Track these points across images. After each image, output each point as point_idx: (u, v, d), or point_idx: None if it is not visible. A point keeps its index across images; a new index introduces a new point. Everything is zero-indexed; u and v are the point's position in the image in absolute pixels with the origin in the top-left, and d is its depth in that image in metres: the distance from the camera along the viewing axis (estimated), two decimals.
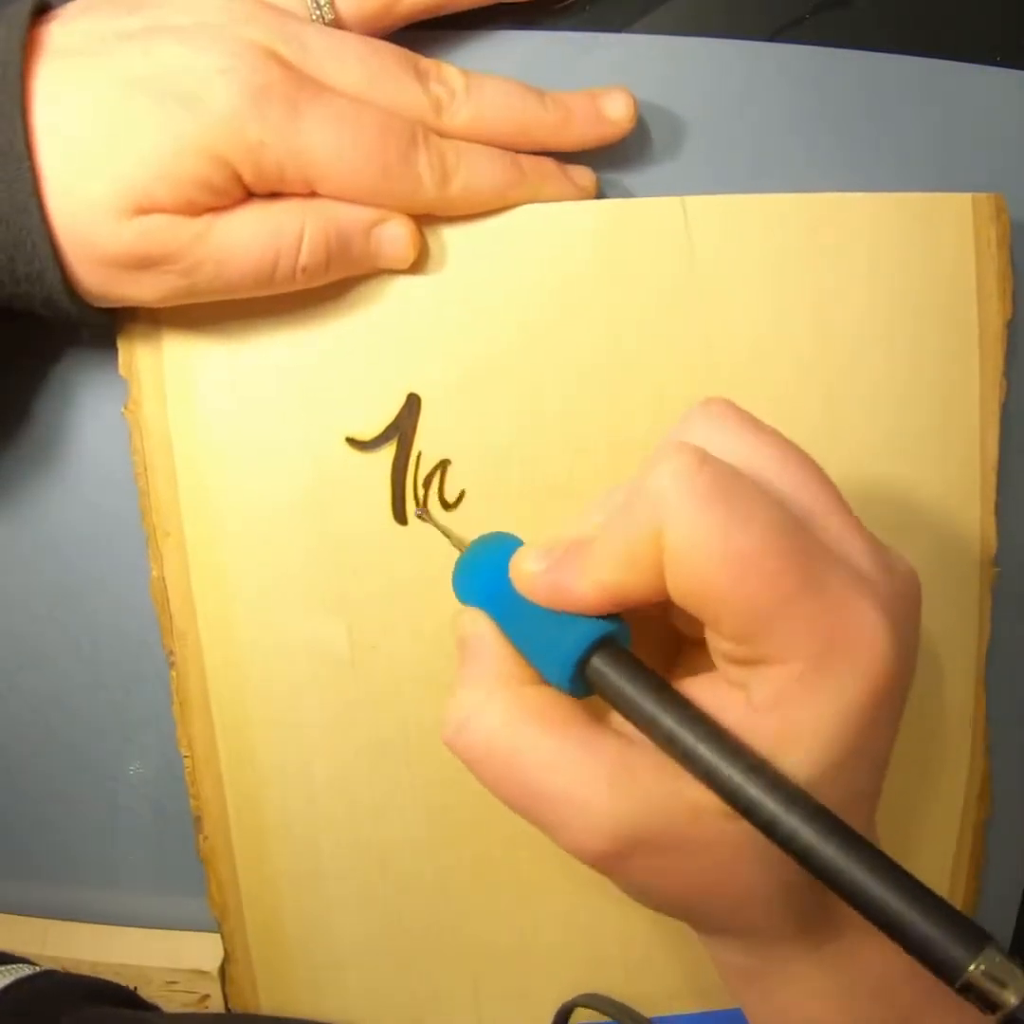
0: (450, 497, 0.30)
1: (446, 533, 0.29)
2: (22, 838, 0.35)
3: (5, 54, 0.24)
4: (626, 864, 0.22)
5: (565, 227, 0.29)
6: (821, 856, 0.19)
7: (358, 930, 0.33)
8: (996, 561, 0.33)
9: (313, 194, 0.27)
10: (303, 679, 0.31)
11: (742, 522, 0.20)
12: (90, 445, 0.32)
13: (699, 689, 0.22)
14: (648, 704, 0.21)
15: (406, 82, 0.27)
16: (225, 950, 0.33)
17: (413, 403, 0.30)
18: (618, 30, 0.32)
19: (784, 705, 0.21)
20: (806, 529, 0.21)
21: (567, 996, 0.33)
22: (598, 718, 0.23)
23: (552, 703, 0.23)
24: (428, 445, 0.30)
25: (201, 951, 0.33)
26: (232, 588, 0.30)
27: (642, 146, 0.31)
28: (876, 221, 0.30)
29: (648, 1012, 0.34)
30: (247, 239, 0.26)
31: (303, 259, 0.27)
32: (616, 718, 0.23)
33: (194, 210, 0.25)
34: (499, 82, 0.28)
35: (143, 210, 0.25)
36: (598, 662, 0.22)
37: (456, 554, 0.30)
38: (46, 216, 0.24)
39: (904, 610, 0.22)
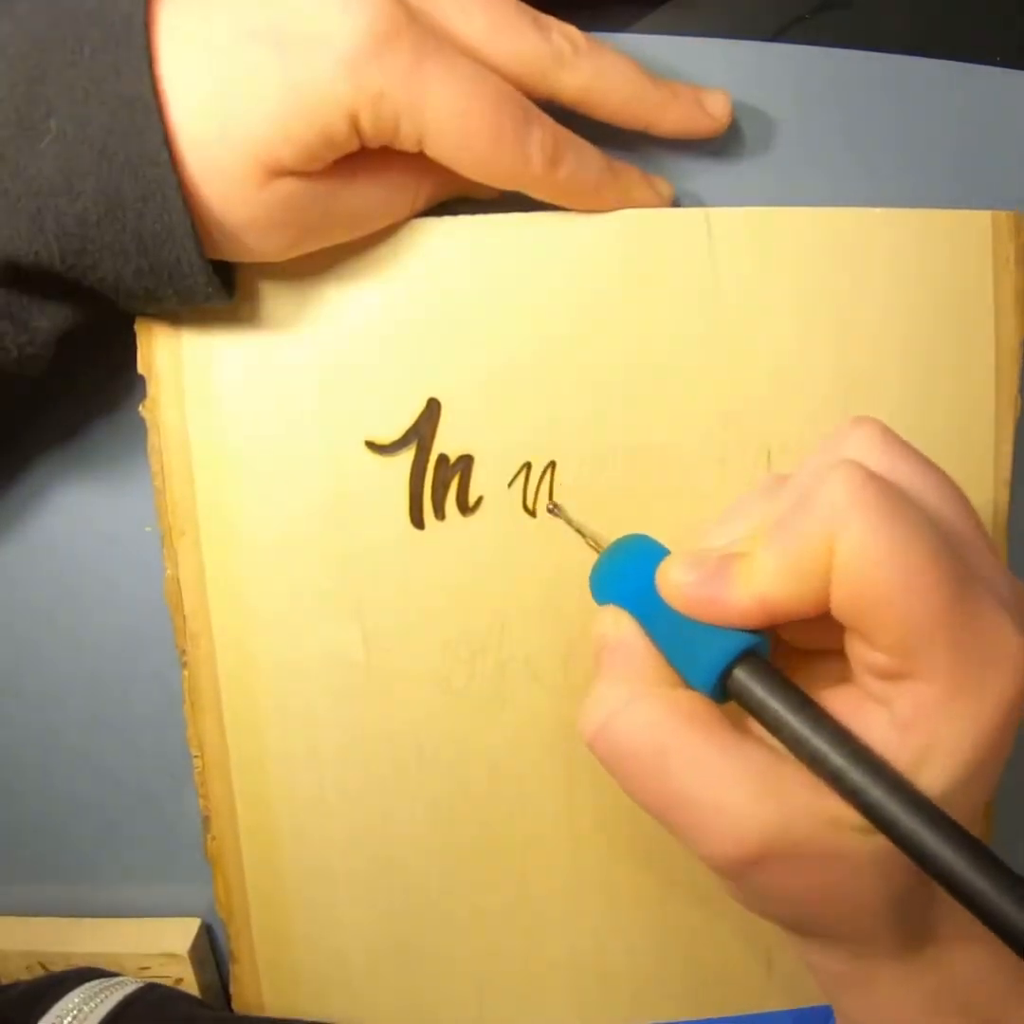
0: (468, 502, 0.30)
1: (580, 530, 0.29)
2: (19, 839, 0.35)
3: (130, 4, 0.23)
4: (757, 871, 0.22)
5: (588, 236, 0.29)
6: (963, 878, 0.20)
7: (365, 934, 0.33)
8: None
9: (420, 154, 0.26)
10: (316, 682, 0.31)
11: (912, 536, 0.20)
12: (106, 442, 0.31)
13: (837, 702, 0.22)
14: (794, 721, 0.22)
15: (528, 32, 0.27)
16: (230, 951, 0.33)
17: (433, 408, 0.30)
18: (618, 30, 0.32)
19: (926, 722, 0.21)
20: (958, 551, 0.21)
21: (573, 1005, 0.33)
22: (739, 725, 0.24)
23: (699, 707, 0.23)
24: (447, 450, 0.30)
25: (172, 935, 0.34)
26: (247, 589, 0.30)
27: (639, 145, 0.31)
28: (897, 237, 0.30)
29: (653, 1020, 0.34)
30: (374, 200, 0.27)
31: (417, 208, 0.28)
32: (756, 726, 0.23)
33: (317, 164, 0.25)
34: (614, 50, 0.28)
35: (272, 173, 0.24)
36: (741, 673, 0.22)
37: (468, 562, 0.30)
38: (178, 168, 0.24)
39: None
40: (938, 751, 0.21)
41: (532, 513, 0.30)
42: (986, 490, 0.32)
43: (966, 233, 0.31)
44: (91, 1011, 0.28)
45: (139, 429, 0.30)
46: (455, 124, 0.25)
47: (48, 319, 0.26)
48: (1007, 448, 0.32)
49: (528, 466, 0.30)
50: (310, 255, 0.28)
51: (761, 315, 0.30)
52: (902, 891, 0.23)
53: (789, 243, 0.30)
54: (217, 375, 0.29)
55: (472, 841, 0.32)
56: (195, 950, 0.33)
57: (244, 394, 0.30)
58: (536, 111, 0.27)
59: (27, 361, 0.26)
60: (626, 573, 0.26)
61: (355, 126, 0.24)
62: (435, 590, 0.30)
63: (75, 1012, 0.28)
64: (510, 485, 0.30)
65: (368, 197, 0.27)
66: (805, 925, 0.24)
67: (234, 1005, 0.33)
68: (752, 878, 0.23)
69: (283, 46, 0.23)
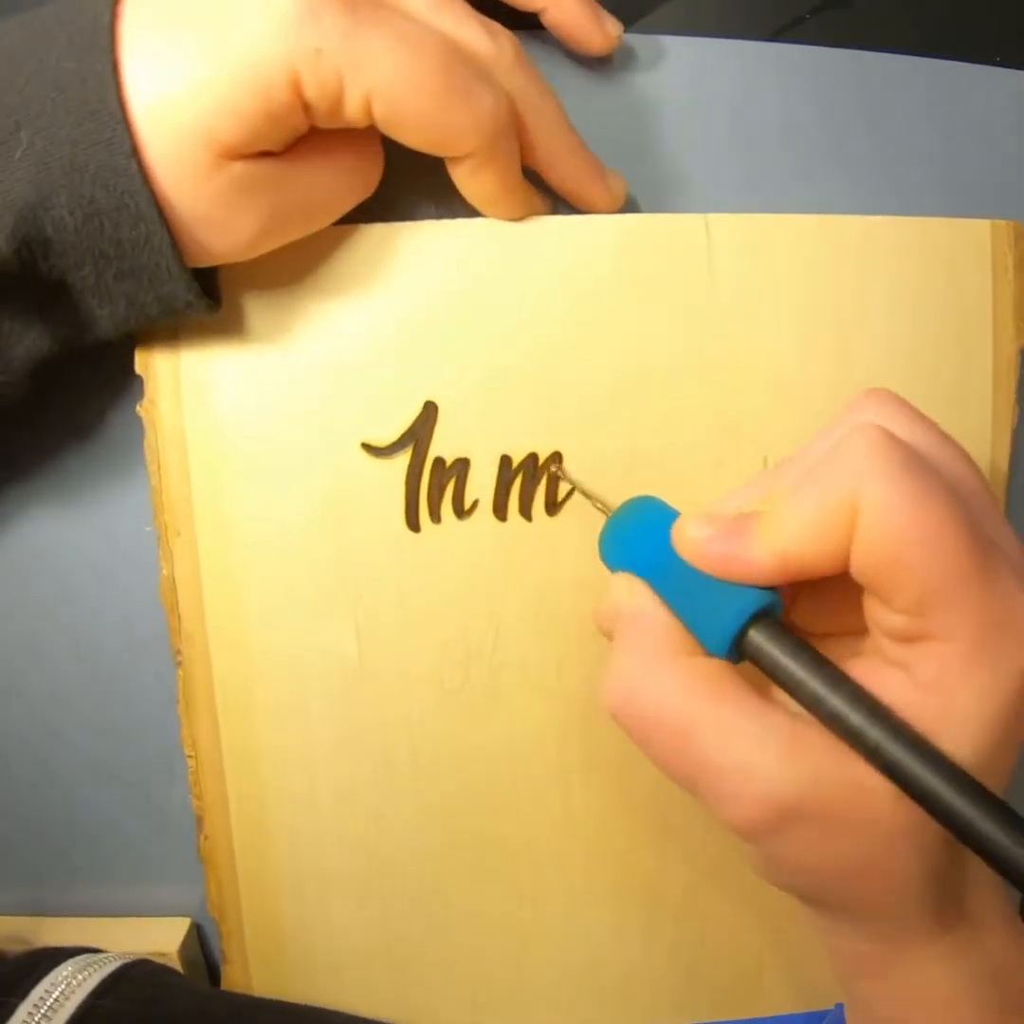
0: (464, 506, 0.30)
1: (586, 493, 0.30)
2: (10, 837, 0.35)
3: (96, 5, 0.23)
4: (781, 836, 0.22)
5: (587, 240, 0.29)
6: (992, 841, 0.20)
7: (357, 935, 0.33)
8: None
9: (370, 128, 0.25)
10: (311, 683, 0.31)
11: (933, 495, 0.21)
12: (105, 441, 0.31)
13: (856, 668, 0.23)
14: (812, 680, 0.22)
15: (471, 23, 0.26)
16: (222, 951, 0.33)
17: (430, 411, 0.30)
18: None
19: (947, 683, 0.21)
20: (976, 518, 0.22)
21: (565, 1008, 0.33)
22: (762, 692, 0.24)
23: (721, 674, 0.23)
24: (444, 453, 0.30)
25: (161, 934, 0.34)
26: (242, 589, 0.30)
27: (639, 146, 0.31)
28: (896, 245, 0.30)
29: None
30: (328, 182, 0.27)
31: (370, 189, 0.28)
32: (778, 693, 0.23)
33: (265, 140, 0.24)
34: (545, 86, 0.28)
35: (222, 155, 0.24)
36: (756, 634, 0.23)
37: (464, 565, 0.30)
38: (147, 175, 0.24)
39: None
40: (959, 712, 0.21)
41: (528, 517, 0.30)
42: None
43: (965, 241, 0.31)
44: (83, 981, 0.29)
45: (138, 429, 0.30)
46: (399, 80, 0.24)
47: (23, 347, 0.26)
48: (1004, 457, 0.32)
49: (523, 470, 0.30)
50: (307, 257, 0.28)
51: (759, 321, 0.30)
52: (936, 865, 0.22)
53: (788, 249, 0.30)
54: (215, 376, 0.29)
55: (465, 843, 0.32)
56: (185, 949, 0.33)
57: (241, 395, 0.30)
58: (488, 74, 0.26)
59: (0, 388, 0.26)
60: (637, 536, 0.26)
61: (297, 91, 0.24)
62: (430, 593, 0.30)
63: (69, 981, 0.28)
64: (507, 489, 0.30)
65: (322, 179, 0.27)
66: (830, 897, 0.24)
67: None
68: (778, 843, 0.23)
69: (222, 22, 0.23)
